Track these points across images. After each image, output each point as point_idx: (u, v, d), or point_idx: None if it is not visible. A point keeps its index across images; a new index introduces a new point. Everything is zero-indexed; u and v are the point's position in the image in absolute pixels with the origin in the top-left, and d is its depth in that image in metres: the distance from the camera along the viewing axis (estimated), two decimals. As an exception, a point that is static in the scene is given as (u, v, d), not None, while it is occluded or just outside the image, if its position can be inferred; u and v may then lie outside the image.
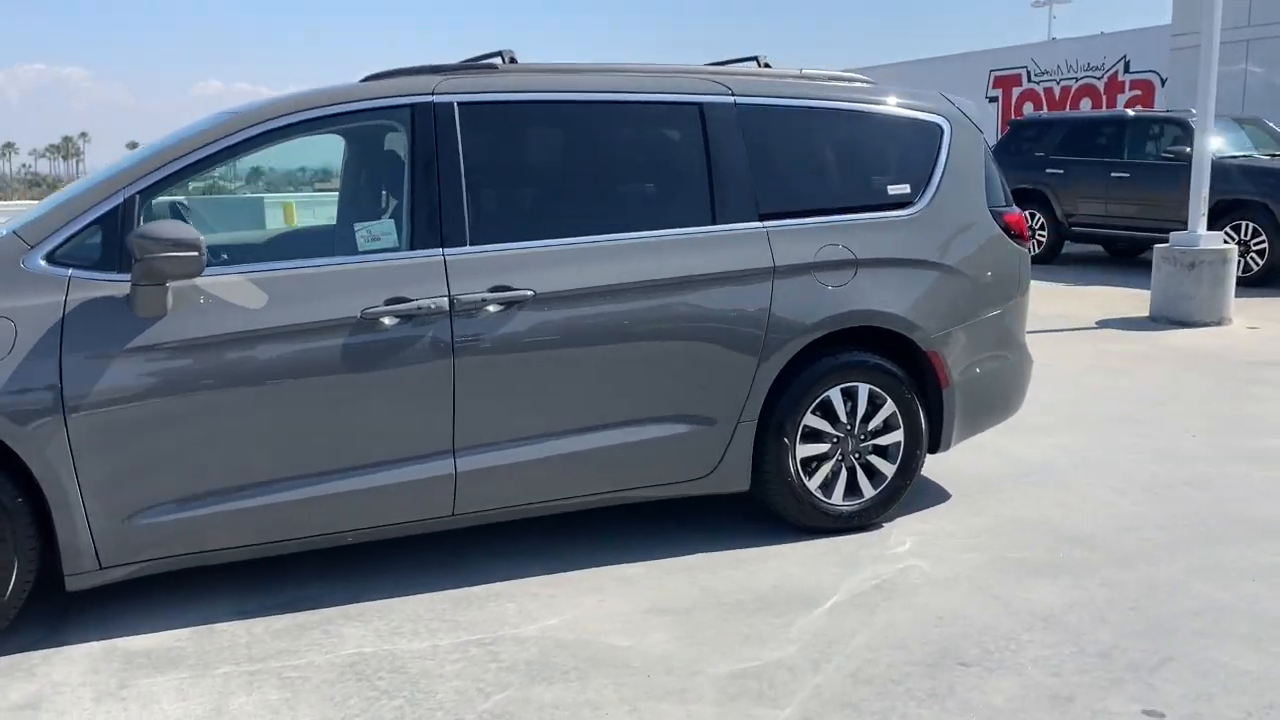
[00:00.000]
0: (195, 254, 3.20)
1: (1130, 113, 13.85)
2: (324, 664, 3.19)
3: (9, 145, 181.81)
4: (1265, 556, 4.03)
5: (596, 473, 3.92)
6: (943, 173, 4.46)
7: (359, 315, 3.49)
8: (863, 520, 4.30)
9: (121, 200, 3.35)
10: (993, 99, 24.37)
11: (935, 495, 4.75)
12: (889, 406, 4.28)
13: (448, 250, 3.64)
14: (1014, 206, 4.65)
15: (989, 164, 4.59)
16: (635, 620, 3.51)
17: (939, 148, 4.49)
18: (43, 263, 3.30)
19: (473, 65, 3.97)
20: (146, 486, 3.35)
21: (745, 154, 4.10)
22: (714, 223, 4.02)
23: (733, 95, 4.15)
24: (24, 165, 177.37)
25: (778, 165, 4.24)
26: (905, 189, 4.39)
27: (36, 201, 9.17)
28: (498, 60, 4.03)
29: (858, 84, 4.55)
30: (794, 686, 3.06)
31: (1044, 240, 13.53)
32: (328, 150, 4.71)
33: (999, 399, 4.66)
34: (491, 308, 3.64)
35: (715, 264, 3.97)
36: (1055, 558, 4.04)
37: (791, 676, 3.12)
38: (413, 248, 3.66)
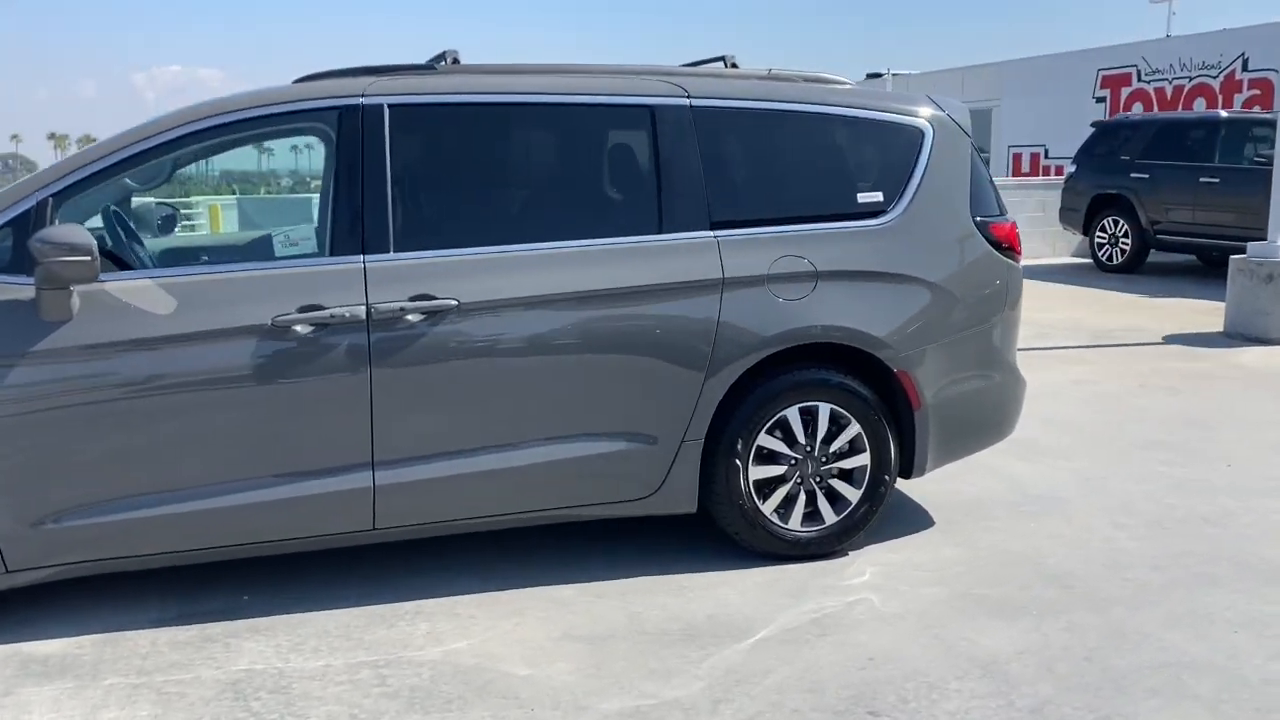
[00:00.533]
0: (88, 259, 3.15)
1: (1222, 114, 13.02)
2: (209, 680, 3.11)
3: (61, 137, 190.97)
4: (1261, 604, 3.64)
5: (529, 490, 3.75)
6: (920, 180, 4.17)
7: (269, 322, 3.40)
8: (824, 547, 4.05)
9: (34, 204, 3.33)
10: (1100, 99, 23.35)
11: (917, 521, 4.45)
12: (853, 428, 4.02)
13: (369, 257, 3.53)
14: (1005, 217, 4.32)
15: (977, 171, 4.28)
16: (545, 647, 3.35)
17: (918, 154, 4.20)
18: None
19: (410, 67, 3.86)
20: (53, 492, 3.33)
21: (698, 159, 3.89)
22: (660, 231, 3.83)
23: (688, 98, 3.95)
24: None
25: (735, 171, 4.02)
26: (877, 197, 4.12)
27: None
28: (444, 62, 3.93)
29: (833, 86, 4.30)
30: (680, 730, 2.87)
31: (1127, 249, 12.84)
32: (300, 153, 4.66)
33: (983, 422, 4.34)
34: (412, 317, 3.51)
35: (657, 275, 3.77)
36: (1024, 596, 3.72)
37: (683, 718, 2.92)
38: (333, 254, 3.56)
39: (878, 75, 6.34)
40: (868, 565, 4.00)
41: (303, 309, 3.42)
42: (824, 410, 3.97)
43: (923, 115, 4.24)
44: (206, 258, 3.84)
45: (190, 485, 3.43)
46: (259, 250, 4.10)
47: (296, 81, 3.77)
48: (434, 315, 3.53)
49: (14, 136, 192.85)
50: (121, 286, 3.33)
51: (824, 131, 4.21)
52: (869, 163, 4.26)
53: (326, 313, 3.43)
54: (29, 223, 3.31)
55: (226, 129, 3.58)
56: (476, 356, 3.60)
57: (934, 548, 4.17)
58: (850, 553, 4.12)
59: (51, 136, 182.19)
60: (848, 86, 4.32)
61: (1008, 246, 4.26)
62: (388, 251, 3.55)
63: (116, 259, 3.59)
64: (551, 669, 3.21)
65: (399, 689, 3.07)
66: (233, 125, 3.58)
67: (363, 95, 3.63)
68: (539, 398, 3.68)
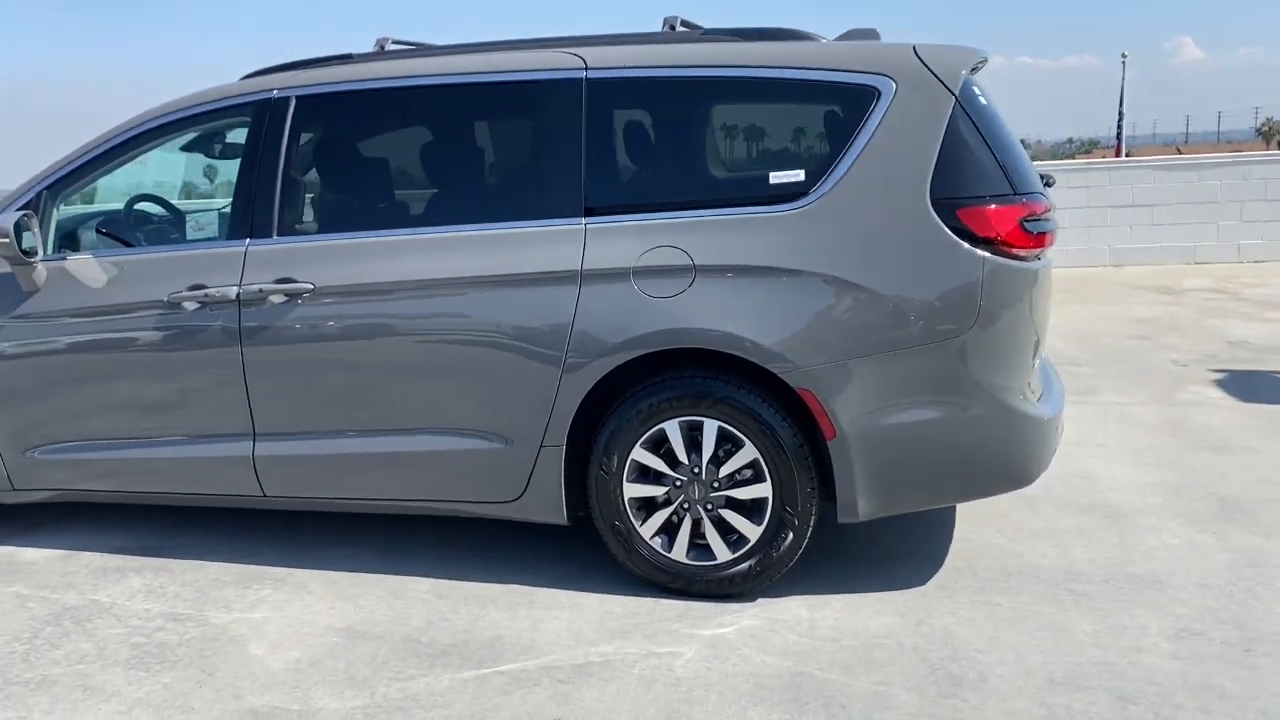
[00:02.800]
0: (5, 240, 3.78)
1: None
2: (52, 602, 3.61)
3: None
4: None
5: (392, 478, 3.66)
6: (860, 153, 3.26)
7: (165, 298, 3.77)
8: (720, 587, 3.39)
9: (34, 194, 4.05)
10: None
11: (906, 577, 3.54)
12: (748, 452, 3.33)
13: (253, 241, 3.73)
14: (990, 197, 3.19)
15: (957, 138, 3.23)
16: (302, 633, 3.28)
17: (863, 121, 3.30)
18: None
19: (335, 57, 3.94)
20: (31, 429, 4.02)
21: (580, 138, 3.46)
22: (533, 218, 3.51)
23: (584, 69, 3.53)
24: None
25: (626, 150, 3.51)
26: (798, 176, 3.31)
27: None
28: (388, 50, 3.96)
29: (764, 46, 3.48)
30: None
31: None
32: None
33: (949, 465, 3.27)
34: (274, 299, 3.63)
35: (510, 264, 3.45)
36: (870, 691, 2.84)
37: (295, 728, 2.75)
38: (229, 238, 3.82)
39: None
40: (750, 618, 3.29)
41: (191, 288, 3.75)
42: (710, 427, 3.35)
43: (885, 71, 3.32)
44: (127, 239, 4.30)
45: (117, 436, 3.93)
46: (176, 233, 4.49)
47: (243, 78, 4.08)
48: (294, 298, 3.64)
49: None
50: (73, 263, 3.91)
51: (741, 100, 3.52)
52: (797, 134, 3.46)
53: (204, 292, 3.70)
54: (32, 209, 4.03)
55: (178, 124, 3.98)
56: (331, 340, 3.59)
57: (870, 615, 3.28)
58: (761, 599, 3.46)
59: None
60: (796, 44, 3.51)
61: (990, 238, 3.19)
62: (271, 237, 3.73)
63: (124, 242, 4.22)
64: (283, 653, 3.13)
65: (152, 641, 3.25)
66: (182, 121, 3.96)
67: (276, 89, 3.84)
68: (393, 387, 3.57)
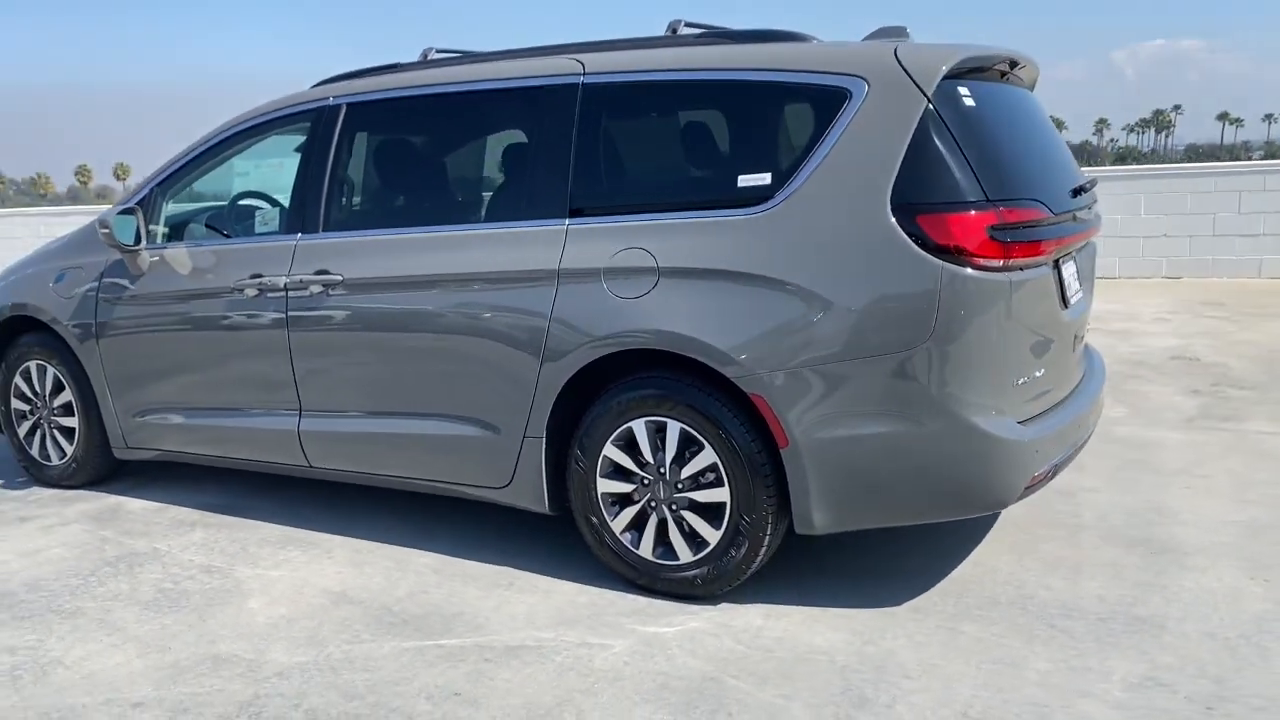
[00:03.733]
0: (106, 230, 4.34)
1: None
2: (124, 546, 4.15)
3: (1102, 121, 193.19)
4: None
5: (411, 458, 3.92)
6: (824, 157, 3.16)
7: (231, 285, 4.21)
8: (682, 587, 3.41)
9: (148, 191, 4.61)
10: None
11: (879, 595, 3.40)
12: (707, 455, 3.32)
13: (303, 236, 4.09)
14: (953, 204, 3.00)
15: (925, 141, 3.05)
16: (301, 591, 3.61)
17: (831, 124, 3.19)
18: None
19: (382, 67, 4.22)
20: (139, 396, 4.61)
21: (570, 142, 3.56)
22: (525, 218, 3.64)
23: (582, 74, 3.62)
24: (1112, 140, 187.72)
25: (610, 153, 3.55)
26: (764, 180, 3.25)
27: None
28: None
29: (744, 48, 3.44)
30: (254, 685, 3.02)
31: None
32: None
33: (906, 482, 3.12)
34: (313, 289, 3.98)
35: (499, 262, 3.60)
36: (768, 703, 2.78)
37: (244, 675, 3.05)
38: (285, 232, 4.21)
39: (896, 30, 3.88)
40: (700, 621, 3.29)
41: (252, 276, 4.17)
42: (673, 428, 3.37)
43: (857, 72, 3.20)
44: (226, 232, 4.72)
45: (198, 406, 4.44)
46: (241, 224, 4.84)
47: (313, 85, 4.44)
48: (327, 288, 3.97)
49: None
50: (168, 253, 4.44)
51: (717, 103, 3.48)
52: (769, 137, 3.37)
53: (261, 280, 4.11)
54: (146, 204, 4.61)
55: (256, 130, 4.41)
56: (351, 328, 3.91)
57: (822, 631, 3.19)
58: (725, 603, 3.44)
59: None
60: (774, 46, 3.42)
61: (950, 247, 3.01)
62: (316, 232, 4.08)
63: (224, 234, 4.72)
64: (273, 610, 3.45)
65: (177, 588, 3.68)
66: (259, 127, 4.40)
67: (331, 97, 4.18)
68: (403, 372, 3.83)
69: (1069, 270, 3.59)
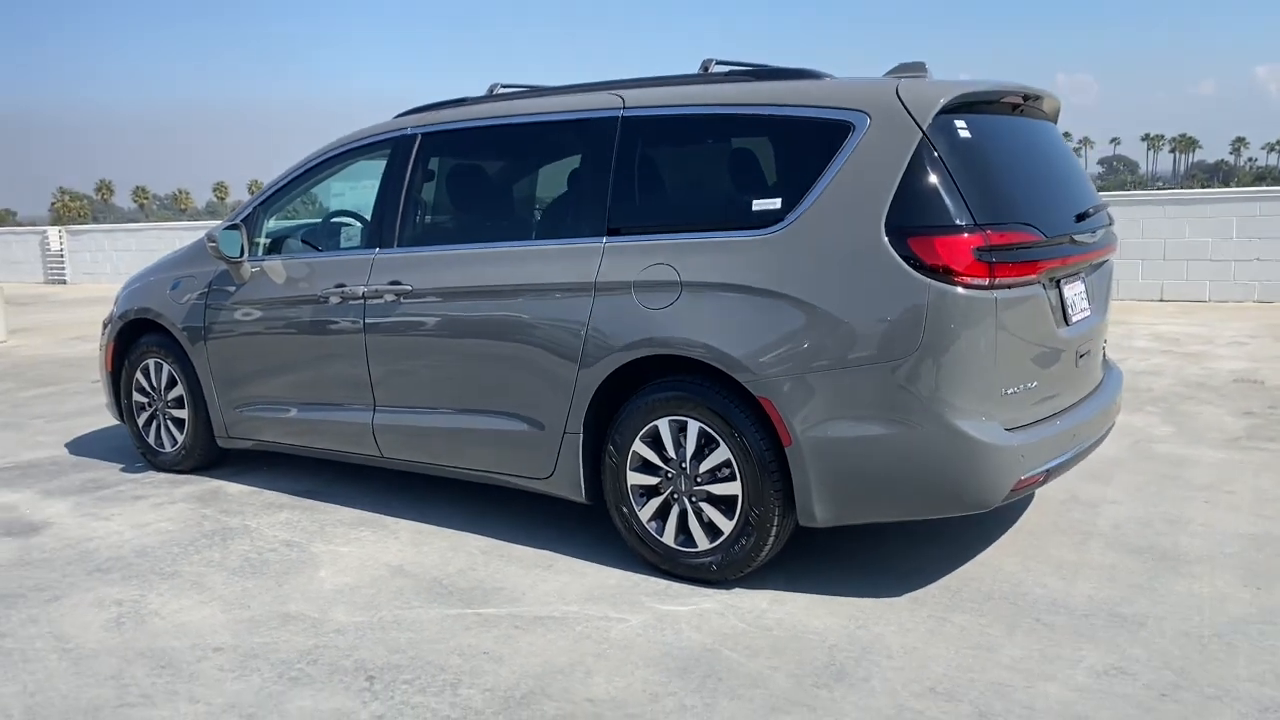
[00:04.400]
0: (213, 244, 4.91)
1: None
2: (221, 522, 4.69)
3: (1240, 139, 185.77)
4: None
5: (466, 450, 4.37)
6: (829, 184, 3.49)
7: (318, 294, 4.73)
8: (701, 572, 3.76)
9: (250, 209, 5.18)
10: None
11: (883, 586, 3.69)
12: (722, 452, 3.67)
13: (380, 251, 4.59)
14: (941, 227, 3.29)
15: (919, 170, 3.36)
16: (365, 565, 4.06)
17: (835, 154, 3.51)
18: None
19: (454, 100, 4.68)
20: (239, 391, 5.17)
21: (610, 168, 3.96)
22: (569, 236, 4.05)
23: (622, 108, 4.01)
24: (1250, 159, 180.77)
25: (643, 178, 3.93)
26: (775, 204, 3.59)
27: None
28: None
29: (758, 85, 3.79)
30: (312, 639, 3.50)
31: None
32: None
33: (897, 479, 3.42)
34: (387, 297, 4.47)
35: (547, 275, 4.01)
36: (756, 672, 3.10)
37: (297, 632, 3.51)
38: (365, 247, 4.71)
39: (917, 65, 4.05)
40: (712, 602, 3.63)
41: (336, 285, 4.68)
42: (693, 427, 3.73)
43: (861, 106, 3.52)
44: (319, 246, 5.23)
45: (290, 401, 4.98)
46: (332, 240, 5.32)
47: (396, 116, 4.94)
48: (400, 297, 4.45)
49: (1113, 140, 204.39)
50: (265, 264, 5.00)
51: (736, 135, 3.84)
52: (782, 165, 3.71)
53: (344, 289, 4.62)
54: (250, 220, 5.18)
55: (346, 155, 4.94)
56: (417, 333, 4.39)
57: (821, 615, 3.50)
58: (739, 588, 3.77)
59: (1145, 138, 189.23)
60: (790, 83, 3.75)
61: (938, 267, 3.30)
62: (392, 247, 4.57)
63: (312, 245, 5.26)
64: (339, 579, 3.92)
65: (261, 559, 4.20)
66: (349, 152, 4.92)
67: (410, 127, 4.68)
68: (464, 372, 4.29)
69: (1073, 290, 3.83)
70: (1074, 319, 3.81)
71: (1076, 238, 3.77)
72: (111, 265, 21.13)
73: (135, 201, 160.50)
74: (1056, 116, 4.42)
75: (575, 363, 3.95)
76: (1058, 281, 3.72)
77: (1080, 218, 3.87)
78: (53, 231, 23.09)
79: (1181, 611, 3.49)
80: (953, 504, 3.48)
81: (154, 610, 3.71)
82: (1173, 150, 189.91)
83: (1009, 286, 3.40)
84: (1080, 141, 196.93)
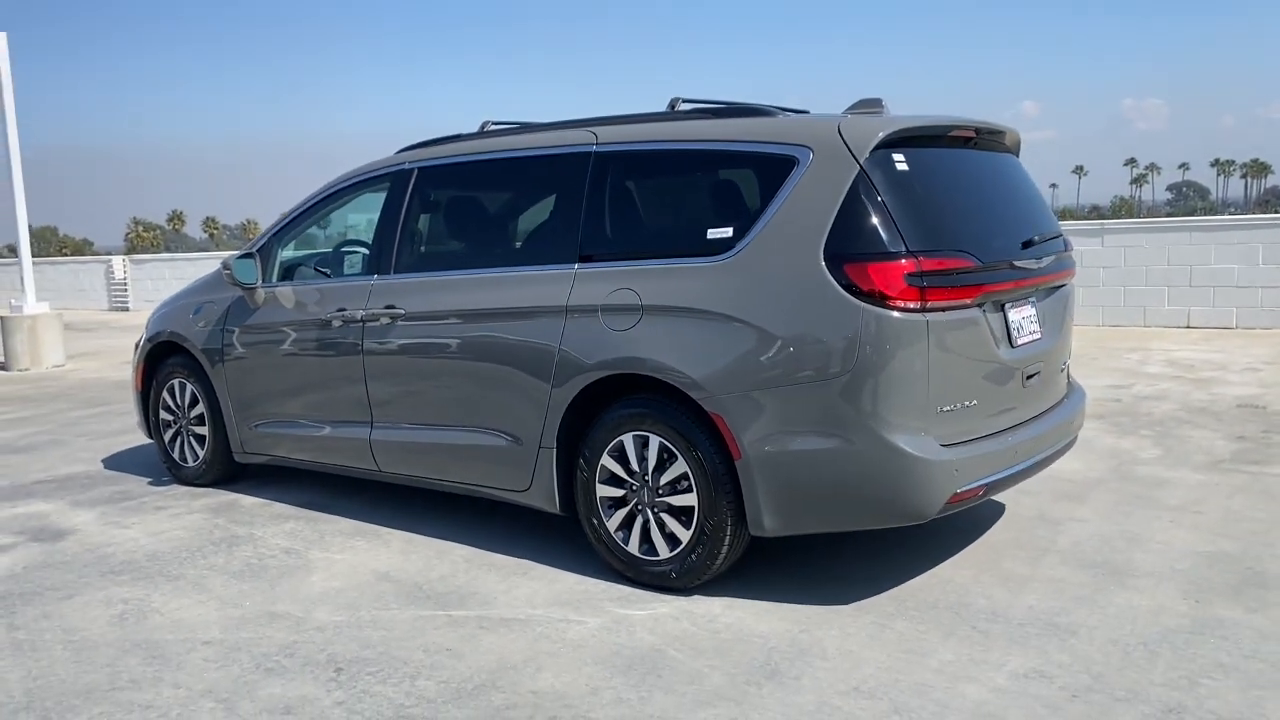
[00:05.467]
0: (228, 272, 5.27)
1: None
2: (230, 530, 5.00)
3: None
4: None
5: (453, 464, 4.64)
6: (774, 214, 3.72)
7: (323, 318, 5.05)
8: (662, 580, 3.98)
9: (264, 240, 5.54)
10: None
11: (831, 593, 3.88)
12: (680, 465, 3.90)
13: (378, 277, 4.90)
14: (875, 255, 3.50)
15: (855, 201, 3.57)
16: (359, 572, 4.33)
17: (781, 186, 3.74)
18: None
19: (449, 137, 4.99)
20: (253, 408, 5.51)
21: (583, 199, 4.23)
22: (545, 263, 4.32)
23: (595, 144, 4.29)
24: None
25: (614, 210, 4.18)
26: (727, 233, 3.82)
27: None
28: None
29: (712, 122, 4.06)
30: (300, 639, 3.77)
31: None
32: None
33: (836, 492, 3.62)
34: (383, 320, 4.78)
35: (524, 299, 4.29)
36: (695, 670, 3.31)
37: (282, 628, 3.79)
38: (365, 274, 5.03)
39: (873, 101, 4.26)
40: (668, 607, 3.85)
41: (337, 310, 5.00)
42: (654, 442, 3.96)
43: (806, 142, 3.75)
44: (328, 271, 5.55)
45: (295, 417, 5.30)
46: (339, 267, 5.62)
47: (397, 151, 5.26)
48: (394, 320, 4.75)
49: (1182, 165, 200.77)
50: (277, 290, 5.35)
51: (694, 169, 4.09)
52: (734, 196, 3.95)
53: (345, 313, 4.94)
54: (265, 250, 5.53)
55: (352, 188, 5.28)
56: (410, 354, 4.69)
57: (770, 620, 3.70)
58: (697, 594, 3.98)
59: (1215, 163, 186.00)
60: (742, 120, 4.00)
61: (871, 292, 3.50)
62: (389, 274, 4.88)
63: (322, 272, 5.60)
64: (328, 583, 4.21)
65: (261, 564, 4.50)
66: (354, 186, 5.26)
67: (407, 162, 4.99)
68: (453, 390, 4.57)
69: (1020, 313, 4.01)
70: (1019, 341, 3.98)
71: (1018, 263, 3.95)
72: (171, 292, 21.92)
73: (205, 231, 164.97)
74: (1017, 149, 4.61)
75: (549, 382, 4.21)
76: (1002, 305, 3.91)
77: (1027, 245, 4.05)
78: (117, 261, 24.05)
79: (1115, 622, 3.63)
80: (889, 515, 3.67)
81: (155, 608, 4.02)
82: (1244, 175, 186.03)
83: (942, 310, 3.60)
84: (1147, 168, 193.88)
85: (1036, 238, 4.11)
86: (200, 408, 5.79)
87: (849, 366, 3.55)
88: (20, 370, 12.36)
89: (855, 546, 4.45)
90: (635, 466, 4.04)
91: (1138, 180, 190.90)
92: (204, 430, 5.80)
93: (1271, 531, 4.52)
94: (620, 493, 4.11)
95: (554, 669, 3.39)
